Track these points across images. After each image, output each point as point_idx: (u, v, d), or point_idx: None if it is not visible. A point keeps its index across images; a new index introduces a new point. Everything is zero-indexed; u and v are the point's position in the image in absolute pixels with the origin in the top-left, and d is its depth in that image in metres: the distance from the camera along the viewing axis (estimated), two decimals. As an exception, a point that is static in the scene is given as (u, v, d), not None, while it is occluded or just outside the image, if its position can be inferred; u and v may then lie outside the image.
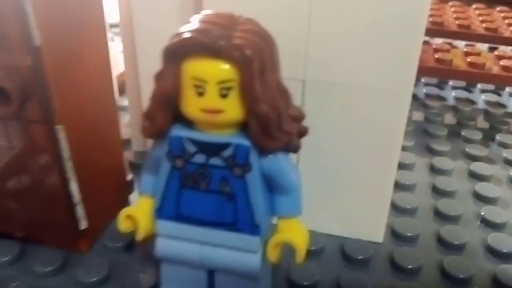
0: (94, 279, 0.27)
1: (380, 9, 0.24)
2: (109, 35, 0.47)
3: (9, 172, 0.27)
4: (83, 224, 0.28)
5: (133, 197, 0.34)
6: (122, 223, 0.24)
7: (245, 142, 0.21)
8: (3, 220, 0.29)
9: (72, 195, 0.27)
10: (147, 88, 0.22)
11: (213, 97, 0.20)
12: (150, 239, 0.25)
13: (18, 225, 0.29)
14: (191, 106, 0.21)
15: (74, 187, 0.27)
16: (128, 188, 0.35)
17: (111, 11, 0.38)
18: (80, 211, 0.27)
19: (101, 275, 0.27)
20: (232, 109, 0.20)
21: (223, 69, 0.19)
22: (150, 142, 0.24)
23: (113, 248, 0.30)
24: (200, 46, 0.19)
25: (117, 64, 0.43)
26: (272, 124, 0.20)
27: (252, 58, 0.19)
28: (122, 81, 0.41)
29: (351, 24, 0.25)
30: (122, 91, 0.42)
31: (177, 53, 0.20)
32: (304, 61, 0.26)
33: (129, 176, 0.36)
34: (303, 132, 0.23)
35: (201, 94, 0.20)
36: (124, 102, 0.43)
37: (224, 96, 0.20)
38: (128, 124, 0.41)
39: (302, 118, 0.22)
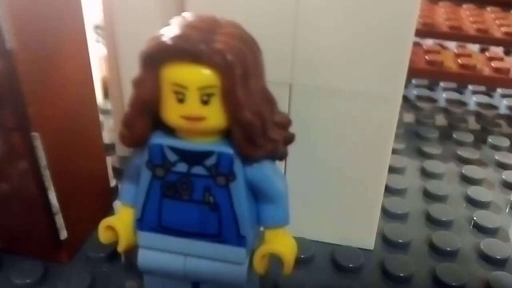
0: (75, 292, 0.26)
1: (368, 13, 0.23)
2: (95, 37, 0.46)
3: (-15, 181, 0.26)
4: (63, 234, 0.27)
5: (117, 203, 0.33)
6: (103, 234, 0.23)
7: (229, 150, 0.20)
8: (-21, 230, 0.28)
9: (51, 204, 0.26)
10: (129, 92, 0.21)
11: (194, 104, 0.19)
12: (132, 251, 0.24)
13: (-4, 236, 0.28)
14: (171, 113, 0.20)
15: (52, 196, 0.26)
16: (111, 194, 0.34)
17: (98, 13, 0.37)
18: (59, 221, 0.26)
19: (83, 286, 0.26)
20: (214, 116, 0.19)
21: (204, 74, 0.19)
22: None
23: (95, 258, 0.29)
24: (180, 51, 0.18)
25: (103, 67, 0.42)
26: (256, 131, 0.19)
27: (234, 63, 0.18)
28: (106, 84, 0.40)
29: (339, 27, 0.24)
30: (106, 95, 0.41)
31: (156, 58, 0.19)
32: (290, 64, 0.26)
33: (113, 182, 0.35)
34: (289, 139, 0.22)
35: (181, 100, 0.19)
36: (109, 105, 0.41)
37: (205, 102, 0.19)
38: (112, 128, 0.40)
39: (288, 124, 0.21)
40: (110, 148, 0.39)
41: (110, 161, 0.37)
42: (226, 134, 0.20)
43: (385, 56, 0.24)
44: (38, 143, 0.24)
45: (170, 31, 0.19)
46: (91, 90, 0.30)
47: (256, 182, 0.21)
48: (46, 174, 0.25)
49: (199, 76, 0.19)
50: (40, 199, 0.26)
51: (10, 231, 0.27)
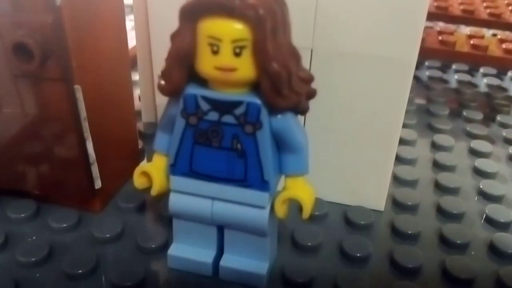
0: (107, 236, 0.28)
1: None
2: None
3: (27, 132, 0.29)
4: (98, 184, 0.29)
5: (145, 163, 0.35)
6: (137, 179, 0.25)
7: (257, 100, 0.22)
8: (20, 178, 0.30)
9: (88, 154, 0.28)
10: (159, 62, 0.23)
11: (227, 55, 0.21)
12: (163, 196, 0.26)
13: (35, 184, 0.30)
14: (206, 64, 0.22)
15: (90, 146, 0.28)
16: (139, 156, 0.36)
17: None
18: (95, 170, 0.29)
19: (114, 232, 0.29)
20: (245, 67, 0.21)
21: (237, 28, 0.21)
22: (159, 114, 0.25)
23: (125, 208, 0.31)
24: (216, 5, 0.20)
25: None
26: (283, 82, 0.21)
27: (265, 17, 0.20)
28: (132, 56, 0.42)
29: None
30: (132, 66, 0.43)
31: (193, 12, 0.21)
32: (312, 30, 0.27)
33: (140, 145, 0.37)
34: (311, 94, 0.24)
35: (215, 52, 0.21)
36: (135, 76, 0.44)
37: (237, 54, 0.21)
38: (138, 97, 0.42)
39: (311, 80, 0.23)
40: (137, 115, 0.41)
41: (136, 126, 0.39)
42: (255, 87, 0.22)
43: (402, 23, 0.26)
44: (80, 95, 0.26)
45: None
46: (126, 55, 0.32)
47: (280, 133, 0.23)
48: (85, 126, 0.27)
49: (233, 29, 0.21)
50: (79, 148, 0.28)
51: (48, 179, 0.30)
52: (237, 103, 0.22)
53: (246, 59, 0.21)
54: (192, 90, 0.23)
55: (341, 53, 0.28)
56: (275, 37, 0.21)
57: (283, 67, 0.21)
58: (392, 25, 0.26)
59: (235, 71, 0.21)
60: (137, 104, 0.42)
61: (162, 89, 0.23)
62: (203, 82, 0.23)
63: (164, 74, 0.23)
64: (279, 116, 0.23)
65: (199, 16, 0.21)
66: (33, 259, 0.27)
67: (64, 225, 0.29)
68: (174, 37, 0.22)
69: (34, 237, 0.29)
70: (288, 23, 0.22)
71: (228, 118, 0.23)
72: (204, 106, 0.23)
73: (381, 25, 0.26)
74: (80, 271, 0.26)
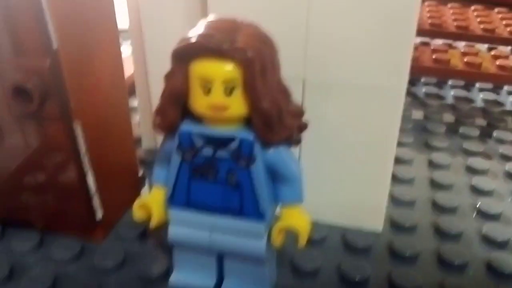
0: (110, 265, 0.29)
1: (373, 13, 0.26)
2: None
3: (30, 166, 0.29)
4: (99, 215, 0.30)
5: (144, 191, 0.36)
6: (137, 212, 0.26)
7: (249, 136, 0.23)
8: (24, 210, 0.31)
9: (88, 187, 0.29)
10: (157, 88, 0.24)
11: (219, 95, 0.22)
12: (163, 227, 0.27)
13: (38, 216, 0.31)
14: (199, 103, 0.22)
15: (90, 180, 0.29)
16: (140, 183, 0.37)
17: (120, 17, 0.40)
18: (96, 202, 0.29)
19: (117, 261, 0.29)
20: (237, 105, 0.22)
21: (228, 69, 0.21)
22: (159, 140, 0.26)
23: (127, 237, 0.31)
24: (206, 49, 0.21)
25: (128, 68, 0.45)
26: (274, 119, 0.22)
27: (253, 59, 0.21)
28: (130, 83, 0.43)
29: (348, 27, 0.27)
30: (131, 92, 0.44)
31: (185, 55, 0.22)
32: (303, 61, 0.28)
33: (140, 172, 0.37)
34: (303, 127, 0.24)
35: (207, 92, 0.22)
36: (133, 102, 0.45)
37: (229, 94, 0.22)
38: (138, 124, 0.43)
39: (301, 114, 0.24)
40: (137, 142, 0.41)
41: (137, 153, 0.40)
42: (247, 122, 0.23)
43: (390, 53, 0.27)
44: (79, 131, 0.27)
45: (197, 32, 0.22)
46: (123, 86, 0.33)
47: (274, 165, 0.24)
48: (85, 160, 0.28)
49: (223, 71, 0.21)
50: (79, 182, 0.29)
51: (50, 211, 0.31)
52: (231, 139, 0.23)
53: (237, 97, 0.22)
54: (187, 127, 0.24)
55: (332, 82, 0.28)
56: (264, 77, 0.22)
57: (273, 104, 0.22)
58: (381, 55, 0.27)
59: (227, 109, 0.22)
60: (136, 130, 0.43)
61: (158, 126, 0.24)
62: (197, 118, 0.24)
63: (159, 112, 0.24)
64: (272, 149, 0.23)
65: (190, 58, 0.22)
66: (38, 291, 0.27)
67: (67, 255, 0.30)
68: (167, 77, 0.23)
69: (38, 268, 0.29)
70: (277, 62, 0.23)
71: (222, 153, 0.23)
72: (199, 142, 0.23)
73: (371, 55, 0.27)
74: (83, 302, 0.27)
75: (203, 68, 0.22)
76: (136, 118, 0.44)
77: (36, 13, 0.24)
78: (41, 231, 0.31)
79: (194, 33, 0.22)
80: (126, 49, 0.42)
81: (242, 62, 0.21)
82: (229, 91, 0.22)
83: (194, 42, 0.21)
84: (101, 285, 0.28)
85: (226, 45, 0.21)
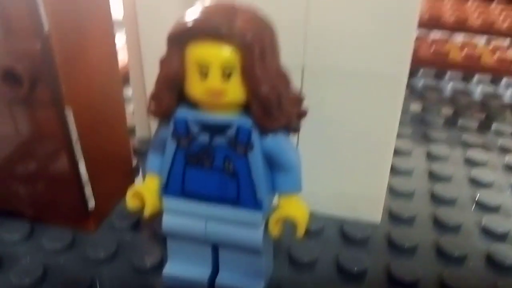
0: (102, 256, 0.28)
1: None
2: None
3: (20, 154, 0.29)
4: (91, 204, 0.29)
5: (138, 181, 0.35)
6: (130, 201, 0.25)
7: (247, 122, 0.22)
8: (14, 199, 0.30)
9: (80, 175, 0.28)
10: (151, 78, 0.23)
11: (216, 79, 0.21)
12: (156, 217, 0.26)
13: (28, 205, 0.30)
14: (195, 88, 0.22)
15: (82, 167, 0.28)
16: (133, 173, 0.36)
17: (114, 8, 0.39)
18: (88, 191, 0.29)
19: (109, 252, 0.29)
20: (234, 90, 0.21)
21: (226, 53, 0.21)
22: (154, 130, 0.25)
23: (120, 227, 0.31)
24: (203, 31, 0.20)
25: (122, 57, 0.44)
26: (273, 105, 0.21)
27: (253, 43, 0.20)
28: (124, 73, 0.42)
29: (348, 13, 0.26)
30: (125, 82, 0.44)
31: (181, 38, 0.21)
32: (302, 48, 0.28)
33: (134, 162, 0.37)
34: (302, 114, 0.24)
35: (205, 76, 0.21)
36: (128, 92, 0.44)
37: (226, 78, 0.21)
38: (132, 113, 0.42)
39: (301, 100, 0.23)
40: (131, 131, 0.41)
41: (130, 143, 0.39)
42: (245, 108, 0.22)
43: (391, 40, 0.26)
44: (70, 117, 0.26)
45: (194, 15, 0.21)
46: (117, 76, 0.32)
47: (272, 152, 0.23)
48: (77, 147, 0.27)
49: (221, 54, 0.21)
50: (71, 170, 0.28)
51: (42, 201, 0.30)
52: (228, 126, 0.22)
53: (235, 82, 0.21)
54: (183, 113, 0.23)
55: (332, 70, 0.28)
56: (264, 62, 0.21)
57: (272, 90, 0.21)
58: (382, 42, 0.26)
59: (224, 94, 0.21)
60: (131, 120, 0.42)
61: (153, 112, 0.23)
62: (193, 104, 0.23)
63: (154, 98, 0.23)
64: (270, 136, 0.23)
65: (187, 41, 0.21)
66: (27, 281, 0.27)
67: (58, 245, 0.29)
68: (162, 61, 0.22)
69: (28, 258, 0.29)
70: (277, 47, 0.22)
71: (219, 140, 0.23)
72: (195, 128, 0.23)
73: (372, 42, 0.26)
74: (74, 293, 0.26)
75: (200, 51, 0.21)
76: (130, 108, 0.43)
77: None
78: (31, 221, 0.30)
79: (191, 15, 0.21)
80: (121, 39, 0.41)
81: (241, 46, 0.20)
82: (226, 75, 0.21)
83: (191, 25, 0.21)
84: (93, 276, 0.27)
85: (224, 28, 0.20)
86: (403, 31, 0.26)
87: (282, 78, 0.22)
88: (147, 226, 0.31)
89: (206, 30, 0.20)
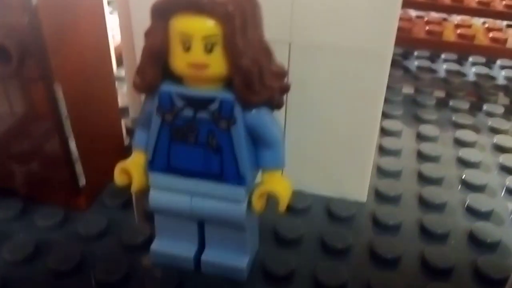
0: (93, 233, 0.29)
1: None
2: (108, 9, 0.49)
3: (10, 131, 0.29)
4: (82, 181, 0.30)
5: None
6: (118, 177, 0.26)
7: (230, 96, 0.22)
8: (6, 177, 0.30)
9: (71, 152, 0.28)
10: None
11: (198, 52, 0.21)
12: (144, 192, 0.26)
13: (21, 183, 0.30)
14: (179, 61, 0.22)
15: (72, 144, 0.28)
16: (126, 152, 0.36)
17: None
18: (78, 168, 0.29)
19: (100, 229, 0.29)
20: (217, 63, 0.22)
21: (208, 24, 0.21)
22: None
23: (110, 205, 0.31)
24: (185, 2, 0.21)
25: (115, 38, 0.44)
26: (254, 78, 0.22)
27: (234, 14, 0.20)
28: (119, 53, 0.42)
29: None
30: (119, 63, 0.44)
31: (164, 10, 0.21)
32: (289, 24, 0.28)
33: (127, 141, 0.37)
34: (285, 88, 0.24)
35: (187, 49, 0.21)
36: (121, 73, 0.44)
37: (209, 51, 0.21)
38: (125, 93, 0.42)
39: (284, 74, 0.24)
40: (124, 111, 0.41)
41: (123, 123, 0.39)
42: (228, 83, 0.23)
43: (376, 16, 0.26)
44: (60, 93, 0.27)
45: None
46: (107, 52, 0.32)
47: (255, 127, 0.23)
48: (67, 124, 0.28)
49: (203, 25, 0.21)
50: (61, 147, 0.28)
51: (33, 178, 0.30)
52: (211, 100, 0.23)
53: (217, 55, 0.21)
54: (167, 87, 0.23)
55: (319, 45, 0.28)
56: (245, 33, 0.21)
57: (254, 62, 0.21)
58: (367, 18, 0.26)
59: (207, 67, 0.22)
60: (124, 100, 0.43)
61: (137, 87, 0.23)
62: (178, 79, 0.23)
63: (138, 72, 0.23)
64: (253, 111, 0.23)
65: (170, 14, 0.21)
66: (20, 257, 0.27)
67: (50, 223, 0.30)
68: (147, 35, 0.22)
69: (20, 235, 0.29)
70: (259, 20, 0.22)
71: (202, 114, 0.23)
72: (179, 103, 0.23)
73: (357, 18, 0.26)
74: (65, 268, 0.27)
75: (182, 23, 0.21)
76: (124, 88, 0.44)
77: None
78: (24, 199, 0.31)
79: None
80: (116, 20, 0.41)
81: (222, 17, 0.20)
82: (209, 48, 0.21)
83: None
84: (84, 252, 0.28)
85: (206, 0, 0.20)
86: (387, 7, 0.26)
87: (264, 51, 0.23)
88: (137, 204, 0.31)
89: (188, 2, 0.21)
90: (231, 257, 0.26)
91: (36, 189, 0.31)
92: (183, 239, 0.27)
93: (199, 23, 0.21)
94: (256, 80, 0.22)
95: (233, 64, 0.21)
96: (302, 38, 0.28)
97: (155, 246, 0.27)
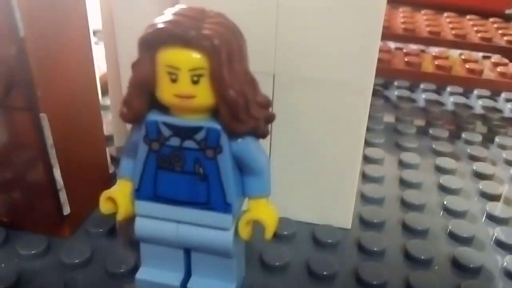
0: (77, 261, 0.29)
1: (341, 12, 0.27)
2: (93, 39, 0.49)
3: (-5, 160, 0.29)
4: (66, 210, 0.29)
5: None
6: (104, 205, 0.26)
7: (216, 125, 0.23)
8: (-11, 207, 0.30)
9: (55, 181, 0.28)
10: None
11: (185, 83, 0.22)
12: (131, 221, 0.26)
13: (4, 211, 0.30)
14: (166, 92, 0.22)
15: (57, 173, 0.28)
16: (110, 180, 0.36)
17: (94, 18, 0.40)
18: (63, 196, 0.29)
19: (84, 257, 0.29)
20: (203, 94, 0.22)
21: (194, 57, 0.21)
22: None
23: (95, 233, 0.31)
24: (173, 36, 0.21)
25: (100, 67, 0.45)
26: (240, 108, 0.22)
27: (220, 47, 0.21)
28: (104, 82, 0.43)
29: (317, 24, 0.27)
30: (104, 92, 0.44)
31: (152, 42, 0.22)
32: (274, 56, 0.29)
33: (111, 169, 0.37)
34: (270, 118, 0.24)
35: (174, 80, 0.22)
36: (106, 101, 0.44)
37: (195, 82, 0.22)
38: (110, 122, 0.43)
39: (268, 104, 0.24)
40: (109, 140, 0.41)
41: (108, 151, 0.40)
42: (214, 112, 0.23)
43: (357, 51, 0.27)
44: (46, 123, 0.27)
45: (164, 19, 0.22)
46: (94, 84, 0.32)
47: (241, 156, 0.24)
48: (52, 153, 0.28)
49: (190, 58, 0.21)
50: (46, 175, 0.28)
51: (17, 206, 0.30)
52: (198, 129, 0.23)
53: (204, 86, 0.22)
54: (154, 116, 0.23)
55: (302, 77, 0.29)
56: (231, 66, 0.22)
57: (239, 93, 0.22)
58: (348, 53, 0.27)
59: (193, 98, 0.22)
60: (109, 129, 0.43)
61: (124, 116, 0.24)
62: (164, 108, 0.24)
63: (125, 102, 0.23)
64: (239, 140, 0.23)
65: (157, 46, 0.22)
66: (2, 287, 0.27)
67: (33, 251, 0.29)
68: (134, 66, 0.23)
69: (2, 265, 0.29)
70: (245, 51, 0.23)
71: (189, 143, 0.23)
72: (166, 132, 0.23)
73: (338, 51, 0.28)
74: (48, 298, 0.26)
75: (169, 55, 0.22)
76: (109, 117, 0.44)
77: (3, 0, 0.24)
78: (6, 227, 0.31)
79: (161, 20, 0.22)
80: (102, 49, 0.42)
81: (209, 50, 0.21)
82: (195, 80, 0.22)
83: (160, 30, 0.21)
84: (67, 281, 0.28)
85: (192, 32, 0.21)
86: (367, 43, 0.27)
87: (250, 82, 0.23)
88: (122, 232, 0.31)
89: (175, 34, 0.21)
90: (218, 284, 0.26)
91: (19, 218, 0.30)
92: (169, 267, 0.27)
93: (186, 56, 0.21)
94: (242, 111, 0.22)
95: (220, 95, 0.22)
96: (285, 70, 0.29)
97: (141, 274, 0.27)
